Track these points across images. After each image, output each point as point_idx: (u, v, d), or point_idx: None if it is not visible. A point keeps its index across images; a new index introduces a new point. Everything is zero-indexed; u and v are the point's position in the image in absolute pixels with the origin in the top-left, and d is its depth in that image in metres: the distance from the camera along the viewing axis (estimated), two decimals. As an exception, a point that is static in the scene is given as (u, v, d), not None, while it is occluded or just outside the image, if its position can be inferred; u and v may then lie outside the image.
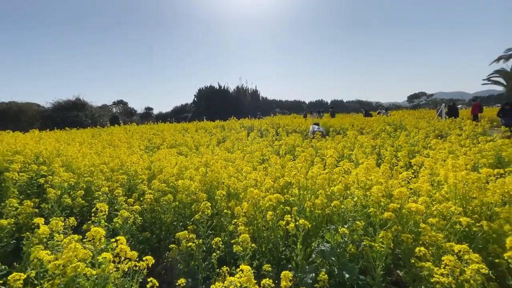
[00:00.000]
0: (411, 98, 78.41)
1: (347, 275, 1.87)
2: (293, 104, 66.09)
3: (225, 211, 2.62)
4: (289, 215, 2.32)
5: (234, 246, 1.98)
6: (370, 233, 2.17)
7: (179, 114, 43.59)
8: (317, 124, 11.01)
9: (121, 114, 43.26)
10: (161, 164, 4.37)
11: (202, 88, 43.71)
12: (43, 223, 2.08)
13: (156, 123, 21.84)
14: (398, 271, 2.18)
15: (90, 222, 2.27)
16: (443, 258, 1.61)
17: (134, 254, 1.70)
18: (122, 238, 1.62)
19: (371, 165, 2.93)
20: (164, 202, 2.99)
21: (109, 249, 1.67)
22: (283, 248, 2.47)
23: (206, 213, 2.39)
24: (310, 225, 2.26)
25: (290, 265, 2.26)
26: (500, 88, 41.95)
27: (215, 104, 38.37)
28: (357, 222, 2.14)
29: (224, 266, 1.88)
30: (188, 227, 2.61)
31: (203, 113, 35.09)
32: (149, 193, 3.14)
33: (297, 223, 2.15)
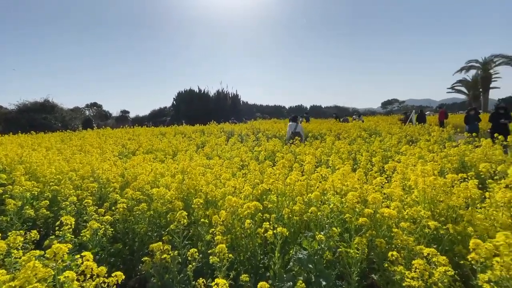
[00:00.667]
0: (385, 104, 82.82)
1: (324, 282, 1.88)
2: (274, 109, 66.97)
3: (202, 220, 2.55)
4: (267, 223, 2.31)
5: (211, 257, 1.93)
6: (346, 239, 2.21)
7: (157, 118, 42.32)
8: (294, 121, 9.33)
9: (94, 117, 41.19)
10: (136, 171, 4.19)
11: (182, 91, 42.81)
12: (0, 238, 1.91)
13: (132, 127, 20.99)
14: (373, 275, 2.23)
15: (53, 237, 2.10)
16: (413, 262, 1.68)
17: (102, 269, 1.59)
18: (88, 254, 1.51)
19: (347, 171, 3.01)
20: (138, 212, 2.86)
21: (74, 266, 1.55)
22: (262, 256, 2.44)
23: (182, 222, 2.31)
24: (288, 233, 2.26)
25: (268, 274, 2.24)
26: (462, 97, 45.58)
27: (195, 108, 37.70)
28: (334, 229, 2.17)
29: (201, 278, 1.82)
30: (163, 238, 2.50)
31: (182, 117, 34.36)
32: (121, 202, 2.98)
33: (275, 231, 2.14)
